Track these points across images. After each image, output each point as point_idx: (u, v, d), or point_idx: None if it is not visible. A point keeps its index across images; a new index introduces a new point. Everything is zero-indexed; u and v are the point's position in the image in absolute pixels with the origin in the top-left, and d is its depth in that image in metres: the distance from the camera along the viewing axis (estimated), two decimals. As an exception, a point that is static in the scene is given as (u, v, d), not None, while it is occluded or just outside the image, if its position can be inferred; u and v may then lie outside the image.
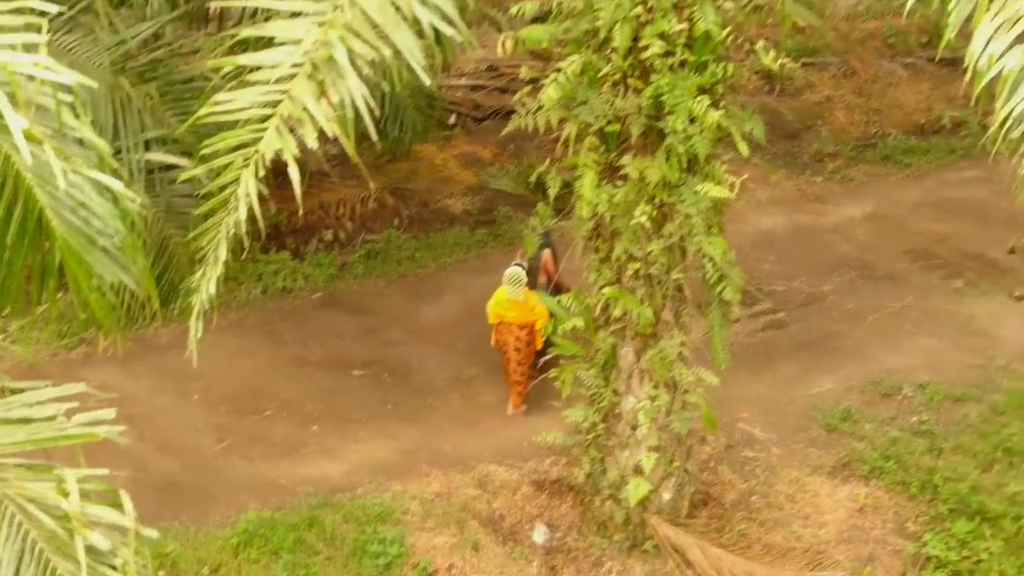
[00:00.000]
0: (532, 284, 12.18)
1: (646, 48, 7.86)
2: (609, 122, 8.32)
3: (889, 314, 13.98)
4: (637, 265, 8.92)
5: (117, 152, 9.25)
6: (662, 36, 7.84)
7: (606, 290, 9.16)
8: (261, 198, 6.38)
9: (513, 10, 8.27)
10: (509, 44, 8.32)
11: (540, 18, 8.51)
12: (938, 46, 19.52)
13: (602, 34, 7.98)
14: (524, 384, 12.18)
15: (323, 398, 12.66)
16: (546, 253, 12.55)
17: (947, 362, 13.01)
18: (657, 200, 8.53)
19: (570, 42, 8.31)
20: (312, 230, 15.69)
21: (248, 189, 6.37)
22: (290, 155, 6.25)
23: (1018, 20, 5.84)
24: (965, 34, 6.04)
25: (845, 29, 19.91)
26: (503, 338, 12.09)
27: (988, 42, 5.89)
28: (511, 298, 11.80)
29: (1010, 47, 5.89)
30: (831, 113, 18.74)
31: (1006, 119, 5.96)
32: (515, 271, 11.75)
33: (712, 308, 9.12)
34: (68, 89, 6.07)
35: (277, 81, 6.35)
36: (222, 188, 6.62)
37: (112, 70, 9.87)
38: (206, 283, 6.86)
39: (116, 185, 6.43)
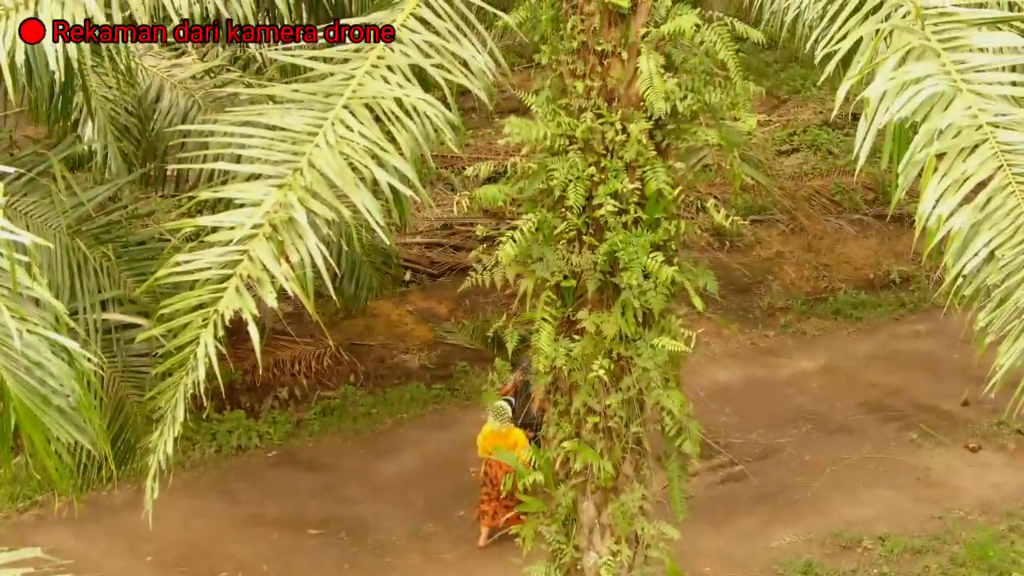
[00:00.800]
0: (525, 416, 12.25)
1: (600, 207, 8.00)
2: (565, 277, 8.42)
3: (847, 466, 14.01)
4: (596, 419, 8.93)
5: (74, 312, 9.24)
6: (615, 195, 8.00)
7: (566, 444, 9.14)
8: (219, 357, 6.40)
9: (469, 171, 8.42)
10: (464, 203, 8.45)
11: (494, 178, 8.66)
12: (883, 203, 19.88)
13: (556, 193, 8.12)
14: (499, 517, 12.04)
15: (279, 558, 12.44)
16: None
17: (905, 513, 13.01)
18: (614, 354, 8.58)
19: (525, 201, 8.45)
20: (267, 388, 15.61)
21: (207, 349, 6.39)
22: (249, 315, 6.31)
23: (965, 181, 6.02)
24: (911, 192, 6.22)
25: (792, 187, 20.31)
26: (494, 472, 12.09)
27: (937, 203, 6.05)
28: (495, 431, 11.90)
29: (959, 207, 6.05)
30: (781, 268, 19.02)
31: (957, 276, 6.10)
32: (500, 404, 11.82)
33: (671, 460, 9.11)
34: (24, 250, 6.11)
35: (237, 242, 6.43)
36: (180, 348, 6.63)
37: (69, 231, 9.92)
38: (163, 443, 6.80)
39: (72, 345, 6.44)
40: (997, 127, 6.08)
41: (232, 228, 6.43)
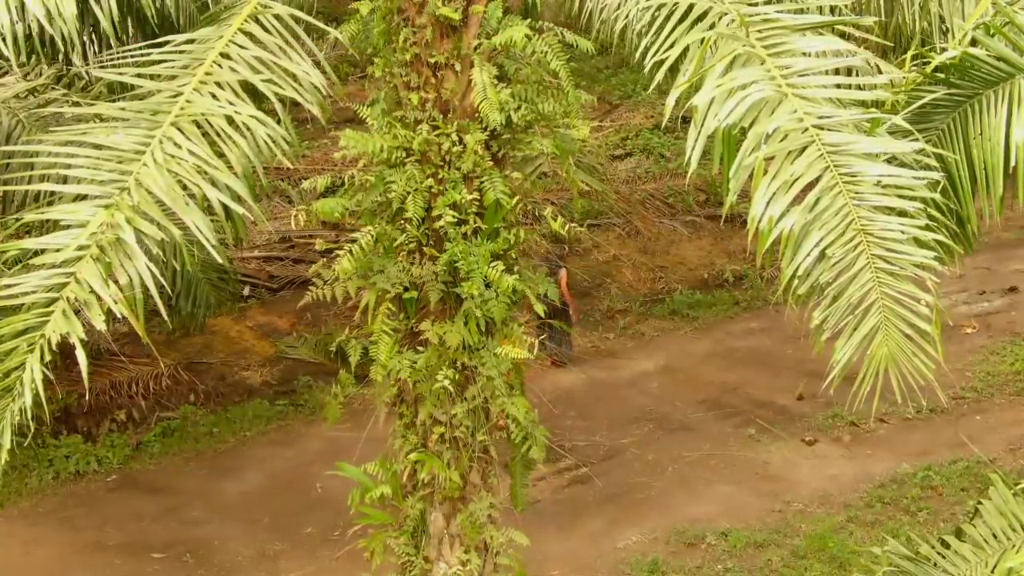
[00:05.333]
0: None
1: (439, 218, 8.00)
2: (406, 289, 8.39)
3: (688, 463, 14.26)
4: (442, 429, 8.92)
5: None
6: (454, 206, 8.00)
7: (412, 455, 9.11)
8: (48, 382, 6.23)
9: (306, 184, 8.32)
10: (302, 217, 8.35)
11: (332, 190, 8.57)
12: (715, 204, 20.36)
13: (395, 205, 8.09)
14: None
15: (121, 586, 12.14)
16: (563, 272, 12.61)
17: (747, 508, 13.29)
18: (458, 364, 8.58)
19: (364, 213, 8.39)
20: (104, 411, 15.20)
21: (34, 374, 6.21)
22: (77, 339, 6.14)
23: (794, 183, 6.16)
24: (742, 192, 6.34)
25: (626, 191, 20.63)
26: None
27: (767, 205, 6.18)
28: None
29: (789, 208, 6.20)
30: (619, 271, 19.29)
31: (792, 276, 6.24)
32: None
33: (516, 464, 9.16)
34: None
35: (63, 264, 6.27)
36: (6, 374, 6.43)
37: None
38: (-9, 473, 6.58)
39: None
40: (822, 129, 6.24)
41: (58, 250, 6.27)
